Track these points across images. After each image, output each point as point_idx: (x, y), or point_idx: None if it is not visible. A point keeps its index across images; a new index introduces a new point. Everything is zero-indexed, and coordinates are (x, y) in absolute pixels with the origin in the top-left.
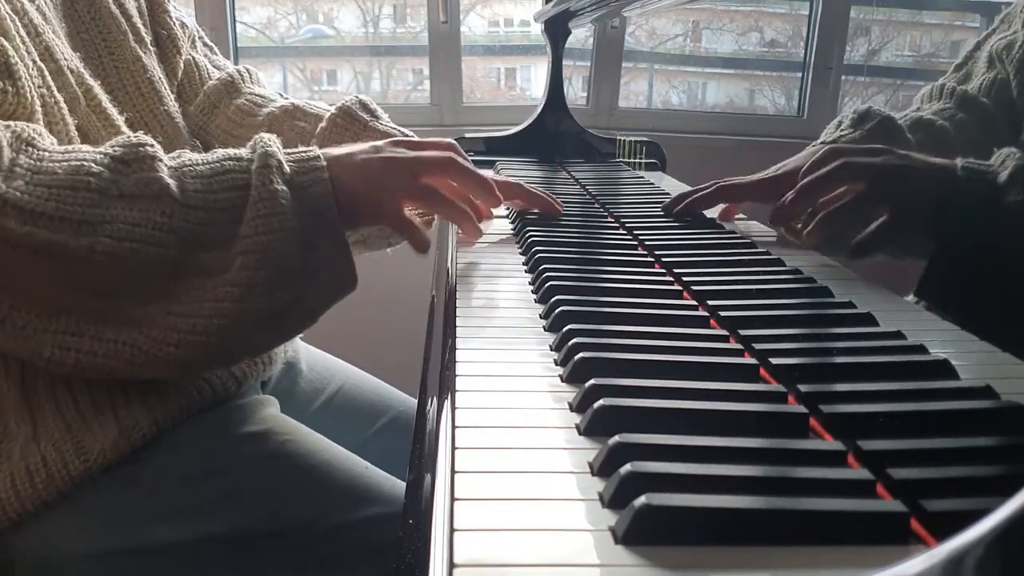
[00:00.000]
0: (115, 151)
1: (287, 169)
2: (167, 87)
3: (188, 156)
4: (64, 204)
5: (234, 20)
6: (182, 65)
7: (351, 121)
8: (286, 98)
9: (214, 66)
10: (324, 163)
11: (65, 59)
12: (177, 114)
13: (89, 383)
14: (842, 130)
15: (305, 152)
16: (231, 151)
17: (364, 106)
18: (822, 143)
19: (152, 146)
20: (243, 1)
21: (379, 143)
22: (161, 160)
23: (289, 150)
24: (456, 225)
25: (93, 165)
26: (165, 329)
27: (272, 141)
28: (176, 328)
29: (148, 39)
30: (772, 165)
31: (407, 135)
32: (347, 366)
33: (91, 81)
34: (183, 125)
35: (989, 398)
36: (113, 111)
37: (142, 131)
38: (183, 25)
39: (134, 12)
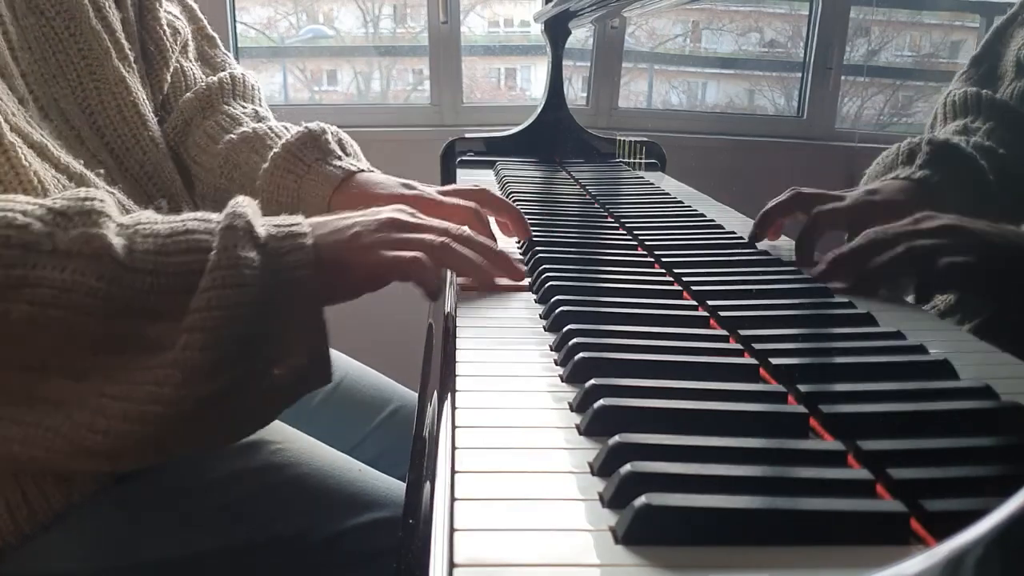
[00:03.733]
0: (56, 203)
1: (260, 233)
2: (151, 109)
3: (148, 215)
4: None
5: (234, 20)
6: (169, 79)
7: (294, 162)
8: (260, 118)
9: (209, 66)
10: (306, 229)
11: (12, 113)
12: (161, 140)
13: None
14: (919, 167)
15: (285, 218)
16: (201, 213)
17: (315, 141)
18: (895, 177)
19: (101, 201)
20: (243, 1)
21: (381, 213)
22: (108, 216)
23: (269, 217)
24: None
25: (19, 217)
26: (93, 413)
27: (246, 203)
28: (105, 413)
29: (132, 56)
30: (772, 165)
31: (370, 170)
32: (347, 359)
33: (42, 136)
34: (167, 152)
35: (989, 398)
36: (69, 160)
37: (123, 156)
38: (175, 31)
39: (118, 26)
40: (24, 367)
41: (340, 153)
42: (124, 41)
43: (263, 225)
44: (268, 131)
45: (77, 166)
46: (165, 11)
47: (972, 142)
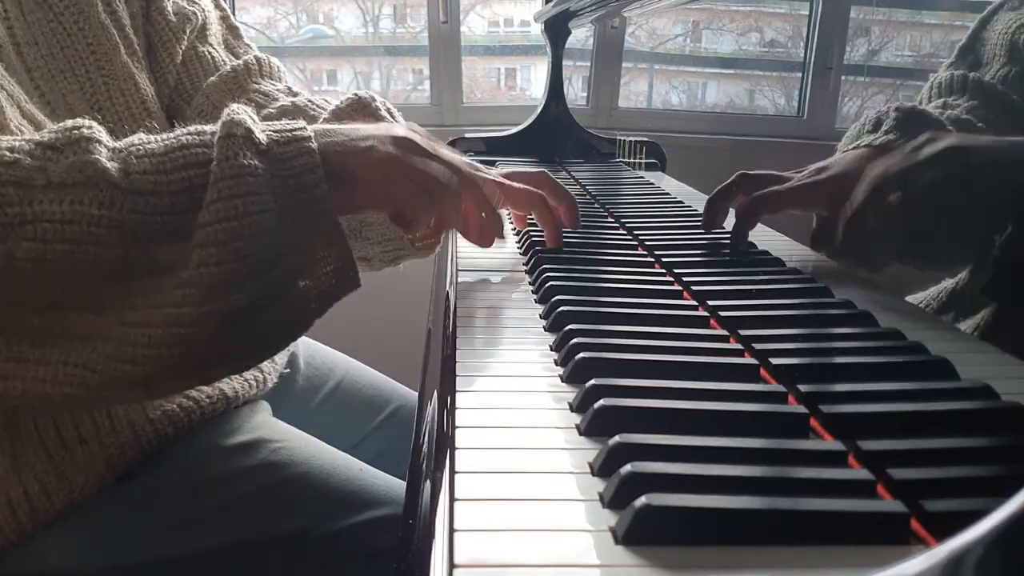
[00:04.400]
0: (44, 137)
1: (260, 139)
2: (159, 105)
3: (141, 136)
4: None
5: None
6: (174, 70)
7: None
8: (295, 94)
9: (233, 55)
10: (309, 132)
11: (19, 98)
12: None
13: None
14: (883, 133)
15: (286, 122)
16: (195, 126)
17: (366, 108)
18: (856, 146)
19: (89, 127)
20: (243, 1)
21: (394, 130)
22: (99, 141)
23: (269, 122)
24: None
25: (7, 154)
26: (119, 343)
27: (242, 111)
28: (131, 341)
29: (141, 50)
30: (772, 165)
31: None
32: (347, 359)
33: (43, 118)
34: None
35: (989, 398)
36: None
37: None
38: (185, 19)
39: (127, 20)
40: (41, 306)
41: (390, 119)
42: (133, 36)
43: (263, 131)
44: (309, 103)
45: None
46: (174, 1)
47: (946, 114)
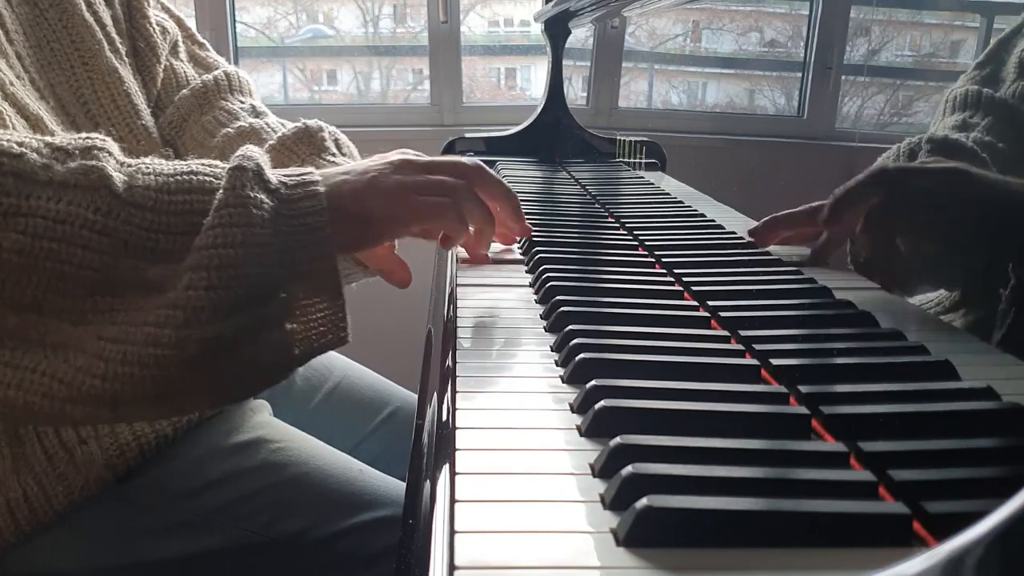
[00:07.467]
0: (58, 140)
1: (271, 178)
2: (144, 100)
3: (152, 159)
4: None
5: (234, 20)
6: (161, 73)
7: (289, 156)
8: (259, 115)
9: (202, 67)
10: (318, 177)
11: (10, 83)
12: (154, 129)
13: None
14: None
15: (295, 169)
16: (207, 160)
17: (311, 137)
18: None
19: (103, 140)
20: (243, 1)
21: (389, 157)
22: (111, 153)
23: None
24: (466, 249)
25: (15, 147)
26: (91, 357)
27: (256, 151)
28: (104, 356)
29: (123, 49)
30: (772, 165)
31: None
32: (346, 360)
33: (38, 109)
34: (159, 142)
35: (990, 399)
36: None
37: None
38: (164, 31)
39: (108, 20)
40: (19, 307)
41: (335, 150)
42: (115, 35)
43: (274, 173)
44: (264, 126)
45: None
46: (154, 12)
47: (972, 137)
